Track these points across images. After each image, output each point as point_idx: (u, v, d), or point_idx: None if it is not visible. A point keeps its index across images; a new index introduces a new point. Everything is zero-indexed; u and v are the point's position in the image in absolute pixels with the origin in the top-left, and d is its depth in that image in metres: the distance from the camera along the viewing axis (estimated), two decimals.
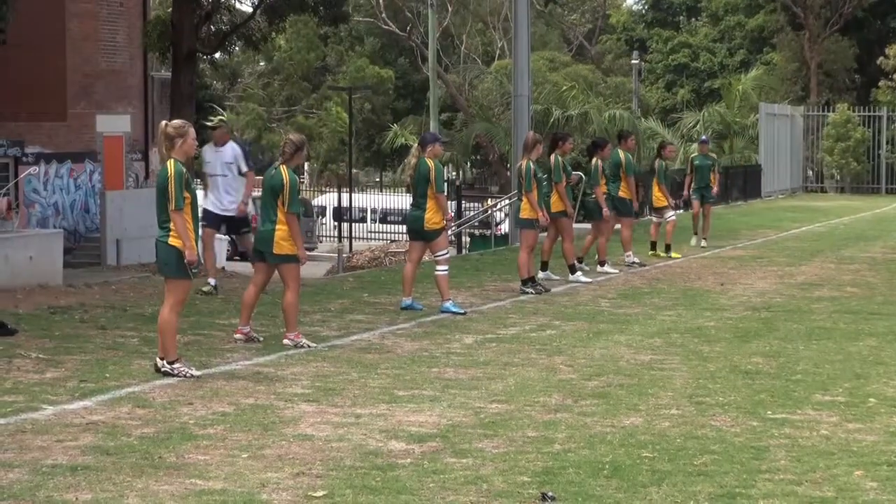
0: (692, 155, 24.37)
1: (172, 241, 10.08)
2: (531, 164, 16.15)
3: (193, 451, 7.74)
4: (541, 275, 17.42)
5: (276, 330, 12.45)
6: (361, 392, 9.69)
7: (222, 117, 16.40)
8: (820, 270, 19.54)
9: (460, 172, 59.32)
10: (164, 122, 10.50)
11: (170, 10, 27.12)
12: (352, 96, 48.00)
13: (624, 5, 76.48)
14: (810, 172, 48.64)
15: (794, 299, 15.96)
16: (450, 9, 59.05)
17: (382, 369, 10.70)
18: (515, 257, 17.19)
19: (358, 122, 61.57)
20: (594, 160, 18.90)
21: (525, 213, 16.24)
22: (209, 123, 15.56)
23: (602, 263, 18.84)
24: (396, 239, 39.36)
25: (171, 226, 10.08)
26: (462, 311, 14.28)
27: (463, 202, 34.23)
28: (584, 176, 20.01)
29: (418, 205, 14.30)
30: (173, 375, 10.06)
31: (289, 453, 7.74)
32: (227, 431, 8.29)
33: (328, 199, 48.11)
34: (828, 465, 7.63)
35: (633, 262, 19.51)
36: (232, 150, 16.05)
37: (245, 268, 21.97)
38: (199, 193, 12.20)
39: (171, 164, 10.13)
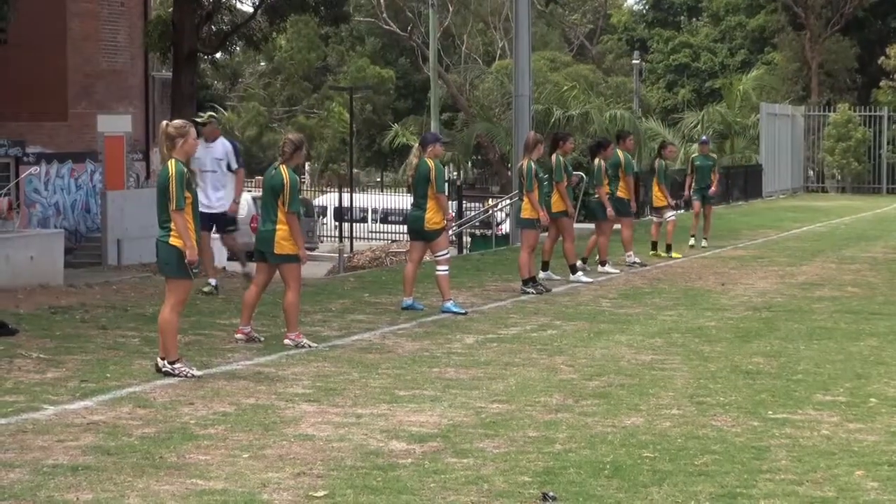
0: (693, 155, 24.36)
1: (173, 240, 10.09)
2: (532, 163, 16.15)
3: (194, 451, 7.74)
4: (542, 275, 17.41)
5: (276, 330, 12.45)
6: (362, 392, 9.69)
7: (212, 113, 16.33)
8: (821, 270, 19.54)
9: (461, 172, 59.34)
10: (165, 122, 10.50)
11: (171, 10, 27.14)
12: (353, 96, 47.98)
13: (625, 5, 76.50)
14: (811, 172, 48.63)
15: (794, 299, 15.96)
16: (451, 9, 59.04)
17: (383, 369, 10.70)
18: (516, 257, 17.19)
19: (359, 122, 61.57)
20: (597, 160, 18.90)
21: (526, 213, 16.24)
22: (199, 120, 15.48)
23: (603, 263, 18.84)
24: (397, 239, 39.34)
25: (172, 226, 10.08)
26: (463, 311, 14.28)
27: (464, 202, 34.24)
28: (584, 176, 20.00)
29: (419, 205, 14.30)
30: (174, 375, 10.06)
31: (290, 453, 7.74)
32: (227, 431, 8.29)
33: (329, 199, 48.08)
34: (829, 465, 7.63)
35: (634, 262, 19.51)
36: (223, 146, 15.82)
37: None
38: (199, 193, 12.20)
39: (172, 164, 10.13)
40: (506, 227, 31.21)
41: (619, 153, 19.44)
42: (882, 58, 48.89)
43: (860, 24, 53.70)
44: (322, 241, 42.99)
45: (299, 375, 10.36)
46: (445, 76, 56.57)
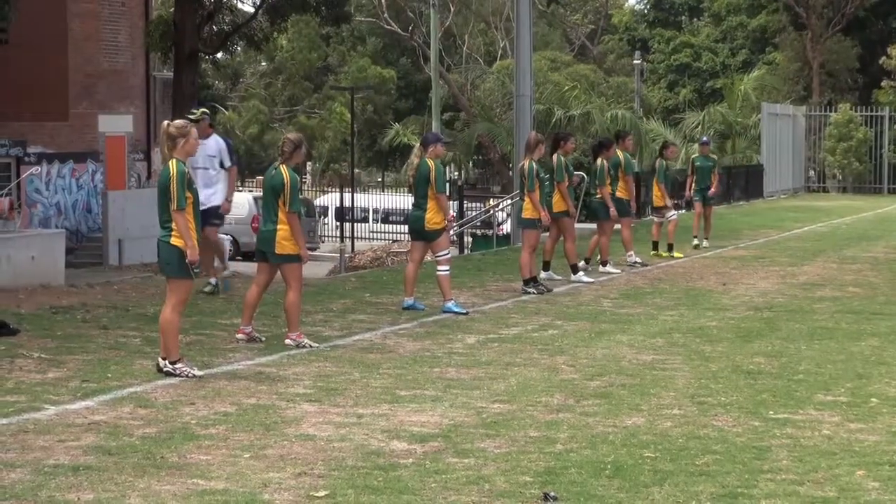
0: (693, 156, 24.36)
1: (174, 240, 10.09)
2: (533, 163, 16.15)
3: (195, 451, 7.74)
4: (543, 275, 17.41)
5: (278, 330, 12.45)
6: (363, 392, 9.69)
7: (205, 109, 16.27)
8: (822, 270, 19.53)
9: (462, 172, 59.36)
10: (166, 122, 10.50)
11: (172, 10, 27.16)
12: (354, 96, 48.01)
13: (626, 5, 76.49)
14: (812, 172, 48.62)
15: (796, 299, 15.96)
16: (452, 9, 59.05)
17: (384, 369, 10.70)
18: (517, 257, 17.19)
19: (360, 122, 61.61)
20: (599, 160, 18.91)
21: (527, 213, 16.24)
22: (191, 116, 15.45)
23: (604, 263, 18.84)
24: (398, 239, 39.35)
25: (173, 225, 10.08)
26: (464, 311, 14.27)
27: (465, 202, 34.25)
28: (585, 176, 19.98)
29: (419, 205, 14.30)
30: (175, 375, 10.06)
31: (291, 453, 7.75)
32: (229, 431, 8.29)
33: (330, 199, 48.10)
34: (830, 466, 7.62)
35: (635, 262, 19.51)
36: (216, 143, 15.64)
37: (247, 268, 21.99)
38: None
39: (173, 164, 10.13)
40: (507, 227, 31.23)
41: (619, 153, 19.43)
42: (883, 58, 48.89)
43: (861, 24, 53.70)
44: (323, 241, 43.01)
45: (300, 375, 10.36)
46: (447, 76, 56.58)
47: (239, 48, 33.28)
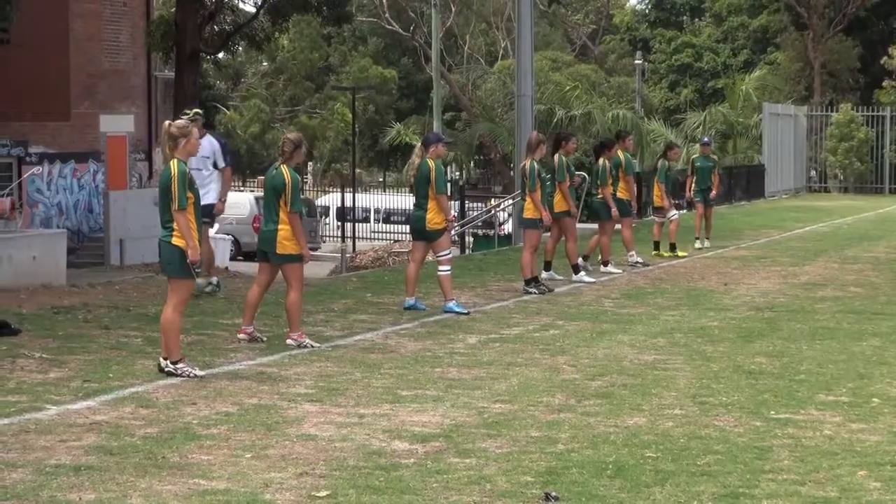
0: (693, 156, 24.36)
1: (175, 240, 10.09)
2: (535, 163, 16.15)
3: (197, 451, 7.74)
4: (544, 275, 17.41)
5: (279, 330, 12.45)
6: (365, 392, 9.69)
7: (198, 110, 16.25)
8: (823, 270, 19.53)
9: (464, 172, 59.38)
10: (167, 122, 10.51)
11: (173, 10, 27.16)
12: (355, 96, 48.01)
13: (627, 5, 76.48)
14: (814, 172, 48.62)
15: (797, 299, 15.95)
16: (453, 9, 59.06)
17: (386, 369, 10.70)
18: (519, 257, 17.19)
19: (361, 122, 61.62)
20: (601, 160, 18.90)
21: (528, 213, 16.24)
22: (184, 117, 15.39)
23: (605, 263, 18.83)
24: (400, 239, 39.37)
25: (174, 225, 10.08)
26: (465, 311, 14.27)
27: (466, 202, 34.26)
28: (586, 176, 19.96)
29: (420, 205, 14.30)
30: (177, 375, 10.06)
31: (292, 453, 7.75)
32: (230, 431, 8.29)
33: (332, 199, 48.12)
34: (831, 466, 7.62)
35: (637, 262, 19.51)
36: (210, 144, 15.44)
37: (248, 268, 22.00)
38: None
39: (174, 164, 10.13)
40: (508, 227, 31.24)
41: (620, 153, 19.43)
42: (885, 58, 48.87)
43: (863, 25, 53.69)
44: (324, 241, 43.03)
45: (302, 375, 10.36)
46: (448, 76, 56.59)
47: (240, 48, 33.32)
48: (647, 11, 71.57)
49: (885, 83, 49.38)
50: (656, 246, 21.36)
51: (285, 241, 11.58)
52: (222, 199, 15.65)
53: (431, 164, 14.18)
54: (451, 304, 14.32)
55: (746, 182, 40.64)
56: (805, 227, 29.27)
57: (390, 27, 60.57)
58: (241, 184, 64.06)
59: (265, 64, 70.41)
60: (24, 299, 15.16)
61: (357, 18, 56.50)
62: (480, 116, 49.48)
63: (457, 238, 28.98)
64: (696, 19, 70.04)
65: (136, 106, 30.31)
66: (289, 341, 11.76)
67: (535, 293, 16.06)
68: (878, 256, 22.04)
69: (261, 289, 11.97)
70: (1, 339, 11.71)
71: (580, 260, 17.94)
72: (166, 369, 10.15)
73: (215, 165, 15.57)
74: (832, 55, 52.77)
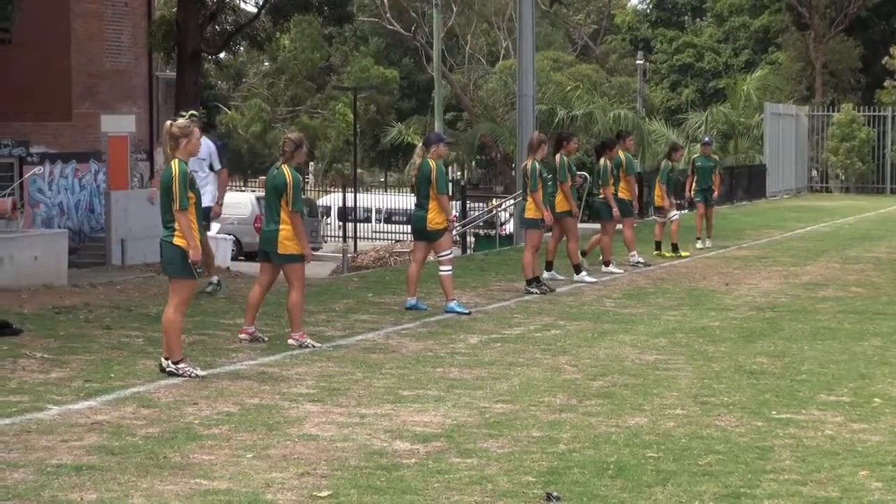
0: (694, 156, 24.36)
1: (177, 240, 10.09)
2: (536, 163, 16.15)
3: (198, 451, 7.74)
4: (545, 275, 17.41)
5: (280, 330, 12.45)
6: (366, 392, 9.69)
7: (194, 112, 16.23)
8: (825, 270, 19.52)
9: (465, 172, 59.38)
10: (168, 122, 10.51)
11: (174, 10, 27.17)
12: (356, 96, 47.99)
13: (628, 5, 76.46)
14: (815, 172, 48.62)
15: (798, 299, 15.95)
16: (454, 9, 59.08)
17: (387, 369, 10.70)
18: (520, 257, 17.19)
19: (362, 122, 61.61)
20: (602, 160, 18.90)
21: (530, 213, 16.24)
22: (180, 119, 15.32)
23: (607, 263, 18.83)
24: (401, 239, 39.36)
25: (176, 225, 10.08)
26: (466, 311, 14.27)
27: (468, 202, 34.25)
28: (588, 176, 19.94)
29: (421, 205, 14.30)
30: (178, 375, 10.06)
31: (293, 453, 7.75)
32: (231, 431, 8.29)
33: (333, 199, 48.12)
34: (832, 466, 7.62)
35: (638, 262, 19.51)
36: (206, 146, 15.20)
37: (250, 268, 21.99)
38: None
39: (175, 164, 10.14)
40: (509, 227, 31.23)
41: (621, 153, 19.42)
42: (886, 58, 48.87)
43: (864, 25, 53.69)
44: (326, 241, 43.03)
45: (303, 375, 10.36)
46: (449, 76, 56.61)
47: (241, 48, 33.32)
48: (648, 11, 71.59)
49: (886, 83, 49.36)
50: (657, 246, 21.36)
51: (287, 241, 11.58)
52: (219, 201, 15.61)
53: (433, 164, 14.18)
54: (453, 304, 14.32)
55: (748, 182, 40.64)
56: (806, 227, 29.27)
57: (392, 27, 60.58)
58: (242, 184, 64.11)
59: (266, 64, 70.43)
60: (25, 299, 15.16)
61: (358, 18, 56.49)
62: (482, 116, 49.51)
63: (458, 238, 28.97)
64: (698, 19, 70.06)
65: (137, 106, 30.32)
66: (290, 341, 11.76)
67: (536, 293, 16.06)
68: (879, 256, 22.04)
69: (262, 289, 11.97)
70: (2, 339, 11.72)
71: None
72: (168, 369, 10.15)
73: (211, 168, 15.56)
74: (833, 55, 52.78)
